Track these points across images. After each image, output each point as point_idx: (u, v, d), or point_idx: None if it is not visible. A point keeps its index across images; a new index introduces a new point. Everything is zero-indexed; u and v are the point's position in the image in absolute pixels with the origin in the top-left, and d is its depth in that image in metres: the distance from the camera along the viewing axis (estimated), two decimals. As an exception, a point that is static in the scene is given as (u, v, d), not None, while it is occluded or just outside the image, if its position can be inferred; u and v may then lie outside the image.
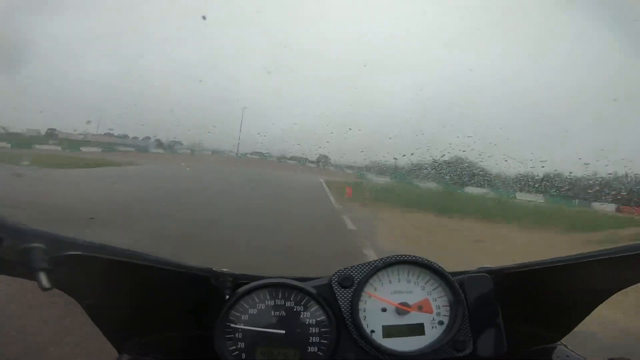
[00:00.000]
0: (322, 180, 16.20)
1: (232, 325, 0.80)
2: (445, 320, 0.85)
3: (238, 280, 0.86)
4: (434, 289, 0.87)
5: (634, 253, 0.70)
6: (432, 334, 0.84)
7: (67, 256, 0.57)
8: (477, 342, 0.84)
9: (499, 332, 0.84)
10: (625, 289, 0.83)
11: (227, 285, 0.85)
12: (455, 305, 0.85)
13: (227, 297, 0.83)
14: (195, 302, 0.87)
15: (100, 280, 0.70)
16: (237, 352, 0.78)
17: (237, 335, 0.79)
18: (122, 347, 0.81)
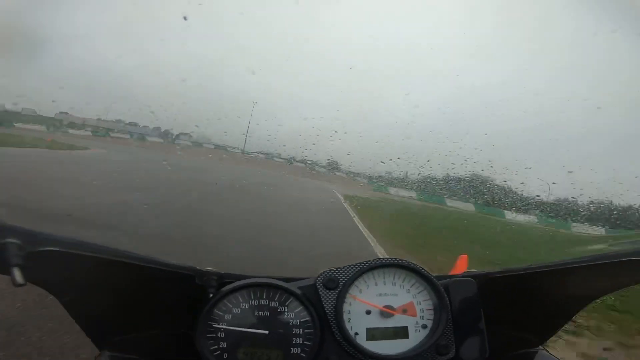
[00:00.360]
0: (340, 196, 13.11)
1: (215, 324, 0.79)
2: (429, 324, 0.86)
3: (222, 279, 0.85)
4: (419, 292, 0.87)
5: (616, 260, 0.71)
6: (415, 337, 0.84)
7: (44, 252, 0.56)
8: (460, 346, 0.84)
9: (482, 337, 0.85)
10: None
11: (212, 284, 0.83)
12: (439, 309, 0.86)
13: (211, 295, 0.82)
14: (179, 301, 0.85)
15: (79, 277, 0.69)
16: (219, 352, 0.77)
17: (219, 334, 0.78)
18: (102, 344, 0.80)
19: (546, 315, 0.90)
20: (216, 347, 0.78)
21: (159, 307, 0.84)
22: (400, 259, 0.87)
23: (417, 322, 0.85)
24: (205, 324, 0.78)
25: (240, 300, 0.81)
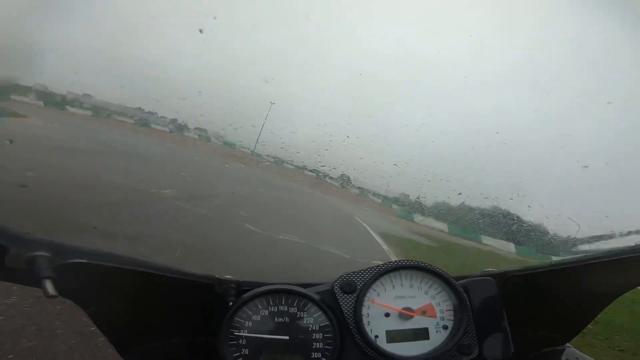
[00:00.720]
0: (373, 234, 9.51)
1: (236, 332, 0.80)
2: (450, 324, 0.85)
3: (241, 287, 0.86)
4: (437, 294, 0.87)
5: (638, 254, 0.70)
6: (436, 338, 0.84)
7: (72, 264, 0.58)
8: (483, 345, 0.83)
9: (505, 335, 0.84)
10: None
11: (231, 292, 0.84)
12: (459, 309, 0.85)
13: (231, 303, 0.83)
14: (199, 309, 0.87)
15: (104, 287, 0.70)
16: (241, 359, 0.78)
17: (240, 341, 0.79)
18: (126, 354, 0.81)
19: (571, 312, 0.89)
20: (238, 354, 0.78)
21: (179, 316, 0.86)
22: (416, 261, 0.87)
23: (437, 323, 0.85)
24: (227, 331, 0.79)
25: (260, 307, 0.82)
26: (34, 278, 0.52)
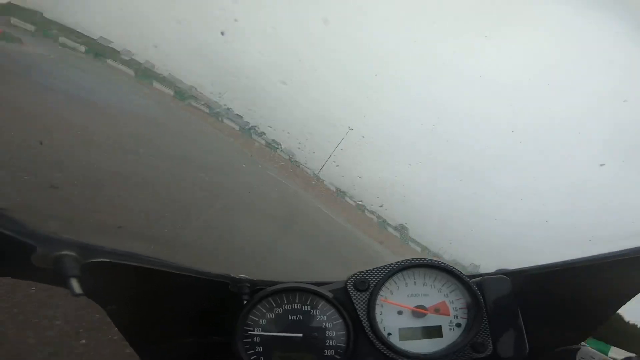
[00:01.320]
0: None
1: (250, 330, 0.81)
2: (463, 322, 0.85)
3: (255, 286, 0.87)
4: (451, 292, 0.87)
5: None
6: (450, 336, 0.84)
7: (95, 263, 0.59)
8: (497, 343, 0.83)
9: (520, 334, 0.84)
10: None
11: (245, 290, 0.86)
12: (473, 307, 0.85)
13: (245, 302, 0.84)
14: (214, 308, 0.88)
15: (124, 286, 0.72)
16: (255, 357, 0.79)
17: (255, 339, 0.81)
18: (143, 353, 0.83)
19: (586, 311, 0.88)
20: (252, 351, 0.80)
21: (195, 315, 0.87)
22: (429, 259, 0.87)
23: (450, 321, 0.85)
24: (241, 329, 0.81)
25: (274, 305, 0.84)
26: (60, 277, 0.53)
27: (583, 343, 0.90)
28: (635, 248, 0.73)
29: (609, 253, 0.77)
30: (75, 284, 0.52)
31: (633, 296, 0.83)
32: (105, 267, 0.61)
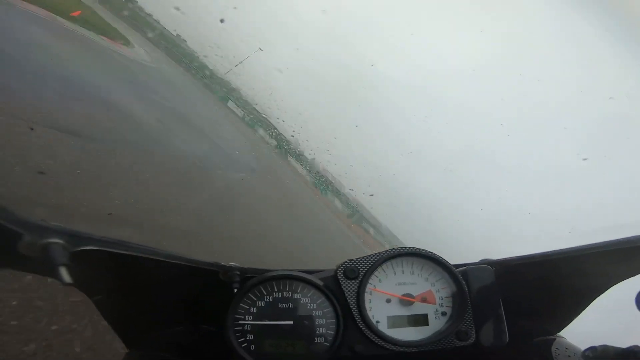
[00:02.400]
0: None
1: (241, 318, 0.82)
2: (449, 311, 0.88)
3: (245, 274, 0.88)
4: (437, 280, 0.89)
5: (635, 245, 0.71)
6: (435, 324, 0.86)
7: (83, 251, 0.58)
8: (480, 332, 0.86)
9: (501, 323, 0.86)
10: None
11: (235, 279, 0.86)
12: (458, 296, 0.87)
13: (235, 290, 0.85)
14: (204, 297, 0.89)
15: (112, 275, 0.71)
16: (246, 345, 0.80)
17: (245, 327, 0.81)
18: (131, 342, 0.83)
19: (563, 302, 0.91)
20: (243, 339, 0.81)
21: (184, 303, 0.88)
22: (418, 248, 0.89)
23: (436, 309, 0.88)
24: (232, 317, 0.81)
25: (264, 293, 0.84)
26: (48, 266, 0.51)
27: (559, 334, 0.93)
28: (613, 241, 0.74)
29: (587, 245, 0.78)
30: (64, 273, 0.51)
31: (607, 289, 0.86)
32: (94, 255, 0.60)
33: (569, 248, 0.81)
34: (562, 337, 0.92)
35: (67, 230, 0.57)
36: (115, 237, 0.66)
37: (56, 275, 0.51)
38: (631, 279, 0.81)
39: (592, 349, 0.71)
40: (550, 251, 0.85)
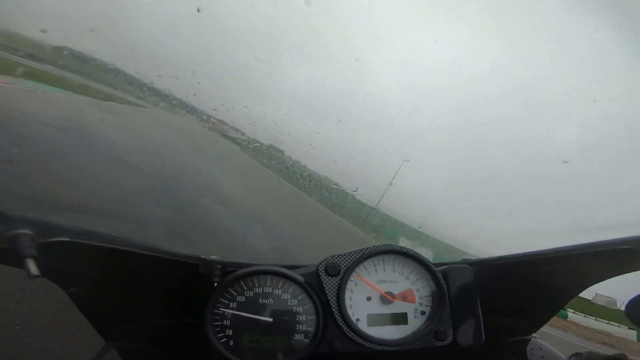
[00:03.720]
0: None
1: (220, 312, 0.81)
2: (428, 310, 0.88)
3: (227, 268, 0.87)
4: (417, 279, 0.90)
5: (609, 249, 0.72)
6: (414, 323, 0.87)
7: (54, 242, 0.56)
8: (457, 332, 0.87)
9: (478, 323, 0.88)
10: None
11: (216, 272, 0.85)
12: (437, 295, 0.88)
13: (216, 284, 0.83)
14: (184, 290, 0.87)
15: (87, 267, 0.69)
16: (225, 339, 0.79)
17: (225, 322, 0.80)
18: (109, 335, 0.81)
19: (539, 303, 0.92)
20: (222, 334, 0.80)
21: (164, 297, 0.86)
22: (399, 246, 0.89)
23: (416, 308, 0.88)
24: (211, 312, 0.80)
25: (245, 288, 0.83)
26: (16, 257, 0.50)
27: (534, 335, 0.95)
28: (588, 243, 0.76)
29: (564, 247, 0.80)
30: (31, 265, 0.49)
31: (581, 291, 0.88)
32: (65, 247, 0.58)
33: (547, 249, 0.83)
34: (537, 337, 0.94)
35: (36, 220, 0.55)
36: (88, 229, 0.64)
37: (24, 267, 0.49)
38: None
39: (577, 355, 0.73)
40: (529, 252, 0.86)
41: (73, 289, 0.72)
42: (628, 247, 0.67)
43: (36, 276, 0.49)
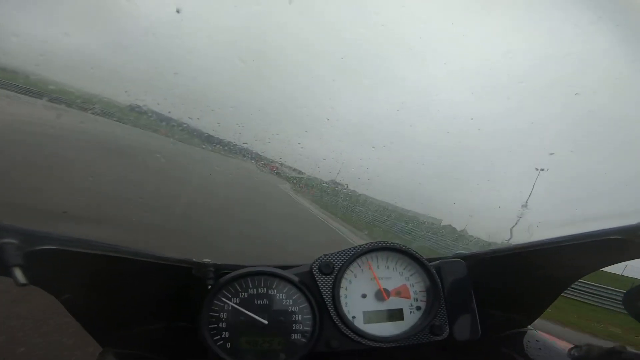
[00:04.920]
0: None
1: (216, 315, 0.80)
2: (423, 305, 0.88)
3: (220, 270, 0.86)
4: (411, 275, 0.90)
5: (600, 239, 0.73)
6: (410, 319, 0.87)
7: (42, 251, 0.56)
8: (453, 326, 0.87)
9: (473, 317, 0.88)
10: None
11: (209, 275, 0.84)
12: (432, 290, 0.88)
13: (210, 287, 0.83)
14: (178, 294, 0.86)
15: (78, 274, 0.68)
16: (221, 342, 0.79)
17: (220, 325, 0.80)
18: (105, 341, 0.80)
19: (533, 295, 0.93)
20: (219, 337, 0.79)
21: (158, 301, 0.85)
22: (392, 242, 0.89)
23: (411, 304, 0.88)
24: (207, 314, 0.80)
25: (239, 289, 0.83)
26: (2, 267, 0.50)
27: (529, 327, 0.96)
28: (580, 234, 0.77)
29: (556, 238, 0.81)
30: (18, 273, 0.49)
31: (577, 279, 0.89)
32: (53, 255, 0.58)
33: (539, 241, 0.84)
34: (533, 329, 0.95)
35: (22, 229, 0.54)
36: (74, 236, 0.63)
37: (11, 276, 0.49)
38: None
39: (576, 348, 0.74)
40: (521, 244, 0.87)
41: (65, 297, 0.70)
42: (619, 237, 0.68)
43: (24, 284, 0.49)
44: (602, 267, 0.83)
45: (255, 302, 0.82)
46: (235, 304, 0.81)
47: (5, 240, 0.51)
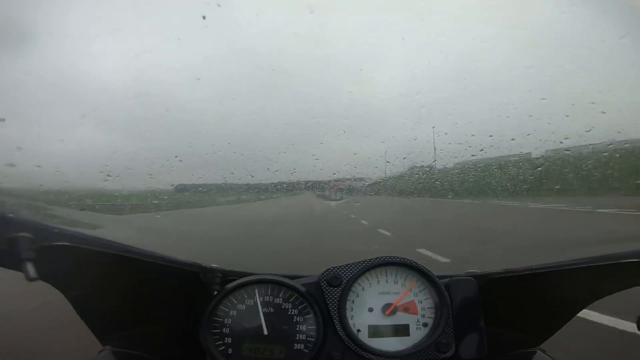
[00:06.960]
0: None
1: (219, 320, 0.80)
2: (430, 322, 0.86)
3: (227, 277, 0.87)
4: (420, 291, 0.88)
5: (617, 262, 0.71)
6: (416, 335, 0.85)
7: (54, 246, 0.56)
8: (460, 344, 0.85)
9: (481, 336, 0.86)
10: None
11: (216, 281, 0.85)
12: (440, 307, 0.86)
13: (215, 292, 0.83)
14: (183, 297, 0.87)
15: (87, 272, 0.69)
16: (223, 348, 0.79)
17: (224, 330, 0.80)
18: (105, 340, 0.81)
19: (545, 316, 0.91)
20: (221, 342, 0.79)
21: (162, 303, 0.86)
22: (402, 258, 0.88)
23: (418, 320, 0.86)
24: (210, 319, 0.80)
25: (245, 296, 0.83)
26: (14, 260, 0.50)
27: (539, 347, 0.93)
28: (596, 257, 0.74)
29: (570, 260, 0.79)
30: (30, 268, 0.49)
31: (588, 304, 0.86)
32: (65, 251, 0.58)
33: (553, 263, 0.81)
34: (541, 350, 0.92)
35: (37, 224, 0.55)
36: (89, 234, 0.64)
37: (22, 270, 0.49)
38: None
39: None
40: (535, 266, 0.85)
41: (72, 293, 0.72)
42: (637, 260, 0.65)
43: (34, 279, 0.50)
44: (619, 291, 0.80)
45: (260, 309, 0.82)
46: (240, 310, 0.82)
47: (20, 234, 0.51)
